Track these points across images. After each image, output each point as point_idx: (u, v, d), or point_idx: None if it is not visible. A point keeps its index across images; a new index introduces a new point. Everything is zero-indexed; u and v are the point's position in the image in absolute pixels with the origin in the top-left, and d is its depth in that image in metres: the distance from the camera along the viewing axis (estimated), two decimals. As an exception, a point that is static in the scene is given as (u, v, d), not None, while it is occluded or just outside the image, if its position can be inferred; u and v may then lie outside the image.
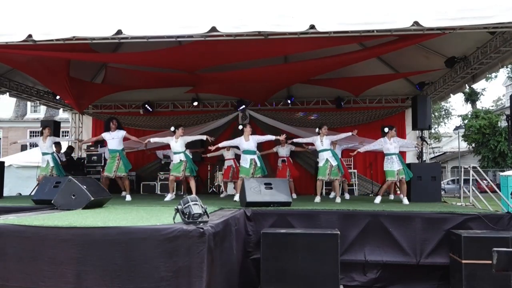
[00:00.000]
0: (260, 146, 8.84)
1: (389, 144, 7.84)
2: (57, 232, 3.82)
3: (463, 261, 5.00)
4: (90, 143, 11.36)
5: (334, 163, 7.90)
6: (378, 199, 7.75)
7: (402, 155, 11.66)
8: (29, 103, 28.78)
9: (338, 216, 5.86)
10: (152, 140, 8.62)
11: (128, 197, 8.18)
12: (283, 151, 9.70)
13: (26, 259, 3.77)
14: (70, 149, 12.01)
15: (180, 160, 8.17)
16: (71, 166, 11.16)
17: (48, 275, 3.70)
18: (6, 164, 9.95)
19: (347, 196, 9.36)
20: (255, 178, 7.33)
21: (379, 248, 5.72)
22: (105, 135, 8.49)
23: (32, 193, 7.90)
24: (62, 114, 22.56)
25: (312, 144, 8.62)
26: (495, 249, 2.33)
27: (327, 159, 7.92)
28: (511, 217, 5.63)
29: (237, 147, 8.66)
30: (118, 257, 3.66)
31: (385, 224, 5.74)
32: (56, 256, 3.72)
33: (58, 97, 11.82)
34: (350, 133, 8.29)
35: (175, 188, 8.65)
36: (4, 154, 26.32)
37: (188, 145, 8.56)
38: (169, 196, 8.17)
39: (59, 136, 11.06)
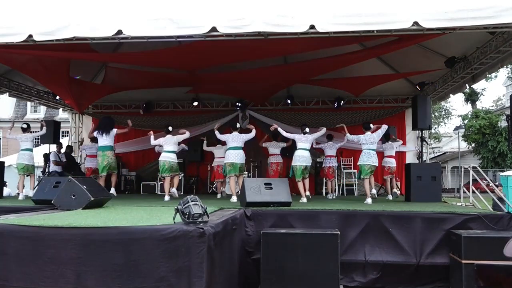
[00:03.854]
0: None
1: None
2: (57, 232, 3.81)
3: (463, 261, 5.01)
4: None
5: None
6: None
7: (401, 155, 11.76)
8: (29, 103, 28.79)
9: (338, 216, 5.85)
10: (152, 139, 8.47)
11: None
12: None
13: (26, 259, 3.77)
14: (70, 149, 11.98)
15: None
16: (71, 166, 11.15)
17: (48, 275, 3.70)
18: (6, 164, 9.95)
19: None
20: (255, 178, 7.34)
21: (379, 248, 5.71)
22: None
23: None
24: (62, 114, 22.56)
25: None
26: None
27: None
28: (511, 217, 5.63)
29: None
30: (118, 257, 3.65)
31: (385, 224, 5.74)
32: (56, 256, 3.72)
33: (58, 97, 11.82)
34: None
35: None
36: (4, 154, 26.32)
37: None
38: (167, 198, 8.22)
39: (59, 136, 11.05)
